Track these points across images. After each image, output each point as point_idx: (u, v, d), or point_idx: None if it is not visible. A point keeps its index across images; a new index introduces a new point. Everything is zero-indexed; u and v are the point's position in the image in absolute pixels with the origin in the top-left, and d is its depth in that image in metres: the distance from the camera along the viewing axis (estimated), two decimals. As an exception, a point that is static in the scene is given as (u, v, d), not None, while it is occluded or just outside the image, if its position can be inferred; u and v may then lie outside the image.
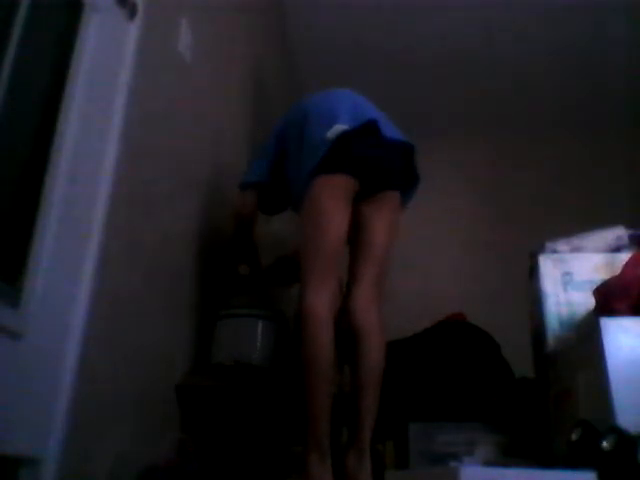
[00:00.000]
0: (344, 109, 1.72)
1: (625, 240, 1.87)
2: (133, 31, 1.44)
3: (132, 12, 1.43)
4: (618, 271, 1.67)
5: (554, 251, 1.90)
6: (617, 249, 1.85)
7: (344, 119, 1.68)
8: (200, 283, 1.94)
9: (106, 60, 1.34)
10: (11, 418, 1.01)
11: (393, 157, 1.72)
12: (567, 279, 1.83)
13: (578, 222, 2.08)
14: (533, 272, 1.95)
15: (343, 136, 1.64)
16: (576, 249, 1.89)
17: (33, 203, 1.10)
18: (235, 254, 2.09)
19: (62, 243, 1.15)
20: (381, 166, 1.70)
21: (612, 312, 1.48)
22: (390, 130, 1.73)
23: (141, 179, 1.50)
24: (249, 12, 2.62)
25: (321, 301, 1.56)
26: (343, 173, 1.64)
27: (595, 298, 1.59)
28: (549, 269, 1.86)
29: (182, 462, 1.55)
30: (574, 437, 1.30)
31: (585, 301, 1.71)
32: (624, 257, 1.74)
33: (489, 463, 1.75)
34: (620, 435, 1.20)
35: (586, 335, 1.53)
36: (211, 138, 2.09)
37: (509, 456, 1.85)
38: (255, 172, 1.94)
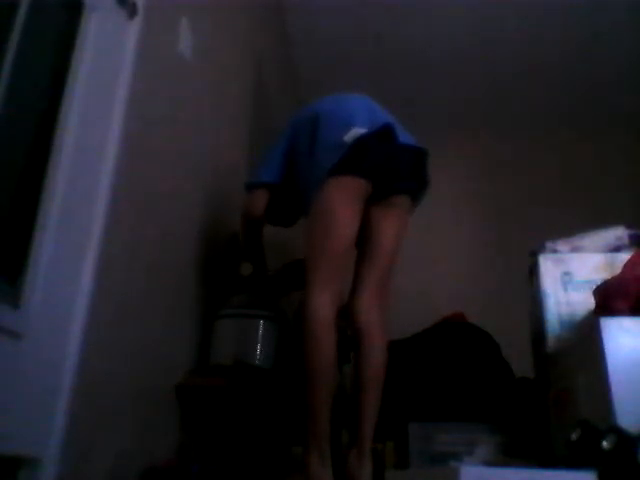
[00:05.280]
0: (361, 113, 1.72)
1: (625, 240, 1.87)
2: (133, 31, 1.44)
3: (132, 12, 1.43)
4: (618, 271, 1.67)
5: (554, 251, 1.90)
6: (617, 249, 1.85)
7: (361, 123, 1.67)
8: (200, 283, 1.94)
9: (106, 60, 1.34)
10: (11, 418, 1.01)
11: (407, 162, 1.73)
12: (567, 279, 1.83)
13: (578, 222, 2.08)
14: (533, 272, 1.95)
15: (360, 139, 1.64)
16: (576, 249, 1.89)
17: (33, 203, 1.10)
18: (242, 255, 2.08)
19: (62, 243, 1.15)
20: (395, 171, 1.70)
21: (612, 312, 1.48)
22: (404, 135, 1.74)
23: (141, 179, 1.50)
24: (249, 12, 2.62)
25: (324, 302, 1.56)
26: (357, 176, 1.64)
27: (595, 298, 1.59)
28: (549, 269, 1.87)
29: (182, 462, 1.55)
30: (574, 437, 1.30)
31: (585, 301, 1.71)
32: (624, 257, 1.74)
33: (489, 463, 1.75)
34: (620, 435, 1.20)
35: (586, 335, 1.53)
36: (211, 137, 2.09)
37: (509, 456, 1.85)
38: (264, 173, 1.88)
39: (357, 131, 1.65)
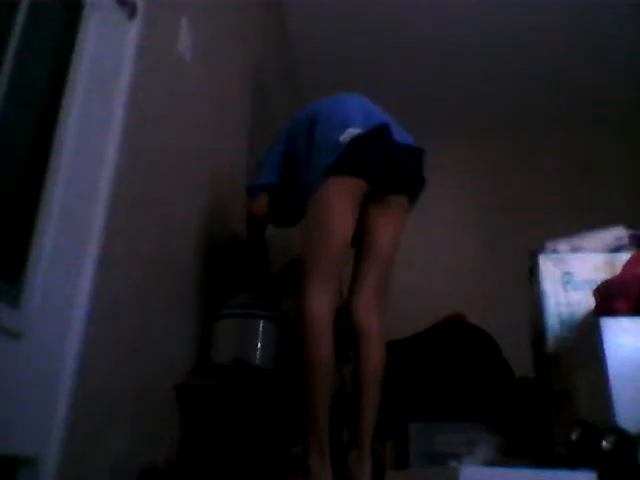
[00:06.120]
0: (356, 113, 1.73)
1: (625, 240, 1.87)
2: (133, 31, 1.44)
3: (132, 12, 1.43)
4: (618, 271, 1.67)
5: (554, 251, 1.90)
6: (617, 249, 1.85)
7: (357, 123, 1.68)
8: (200, 283, 1.94)
9: (106, 60, 1.34)
10: (11, 418, 1.01)
11: (403, 161, 1.73)
12: (567, 279, 1.83)
13: (578, 222, 2.08)
14: (533, 272, 1.95)
15: (355, 139, 1.64)
16: (576, 249, 1.89)
17: (33, 203, 1.10)
18: (248, 254, 2.09)
19: (62, 243, 1.15)
20: (391, 170, 1.70)
21: (612, 312, 1.48)
22: (400, 134, 1.74)
23: (141, 179, 1.50)
24: (249, 12, 2.62)
25: (322, 302, 1.56)
26: (353, 175, 1.64)
27: (595, 298, 1.59)
28: (549, 269, 1.87)
29: (182, 463, 1.55)
30: (574, 437, 1.30)
31: (585, 301, 1.71)
32: (624, 257, 1.74)
33: (489, 463, 1.75)
34: (620, 435, 1.20)
35: (586, 335, 1.53)
36: (211, 137, 2.09)
37: (509, 456, 1.85)
38: (263, 176, 1.92)
39: (352, 131, 1.65)
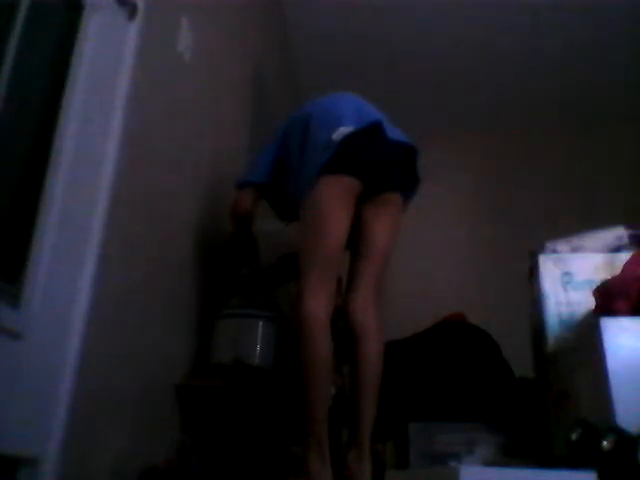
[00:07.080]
0: (349, 111, 1.73)
1: (625, 240, 1.87)
2: (133, 31, 1.44)
3: (132, 12, 1.43)
4: (618, 271, 1.67)
5: (554, 251, 1.90)
6: (617, 249, 1.85)
7: (349, 121, 1.68)
8: (200, 283, 1.94)
9: (106, 60, 1.34)
10: (11, 418, 1.01)
11: (396, 159, 1.73)
12: (567, 279, 1.83)
13: (578, 222, 2.08)
14: (533, 272, 1.94)
15: (347, 137, 1.64)
16: (576, 249, 1.89)
17: (33, 203, 1.10)
18: (235, 254, 2.09)
19: (62, 243, 1.15)
20: (384, 168, 1.70)
21: (612, 312, 1.48)
22: (393, 132, 1.74)
23: (141, 179, 1.50)
24: (249, 12, 2.62)
25: (319, 303, 1.56)
26: (347, 174, 1.64)
27: (595, 298, 1.59)
28: (549, 269, 1.86)
29: (182, 462, 1.55)
30: (574, 437, 1.30)
31: (585, 301, 1.70)
32: (624, 257, 1.74)
33: (489, 463, 1.75)
34: (620, 435, 1.20)
35: (586, 335, 1.53)
36: (211, 137, 2.09)
37: (509, 456, 1.85)
38: (253, 172, 1.92)
39: (345, 130, 1.65)
